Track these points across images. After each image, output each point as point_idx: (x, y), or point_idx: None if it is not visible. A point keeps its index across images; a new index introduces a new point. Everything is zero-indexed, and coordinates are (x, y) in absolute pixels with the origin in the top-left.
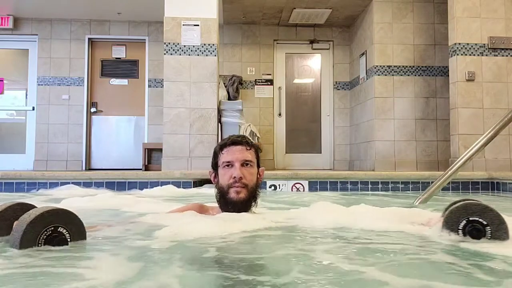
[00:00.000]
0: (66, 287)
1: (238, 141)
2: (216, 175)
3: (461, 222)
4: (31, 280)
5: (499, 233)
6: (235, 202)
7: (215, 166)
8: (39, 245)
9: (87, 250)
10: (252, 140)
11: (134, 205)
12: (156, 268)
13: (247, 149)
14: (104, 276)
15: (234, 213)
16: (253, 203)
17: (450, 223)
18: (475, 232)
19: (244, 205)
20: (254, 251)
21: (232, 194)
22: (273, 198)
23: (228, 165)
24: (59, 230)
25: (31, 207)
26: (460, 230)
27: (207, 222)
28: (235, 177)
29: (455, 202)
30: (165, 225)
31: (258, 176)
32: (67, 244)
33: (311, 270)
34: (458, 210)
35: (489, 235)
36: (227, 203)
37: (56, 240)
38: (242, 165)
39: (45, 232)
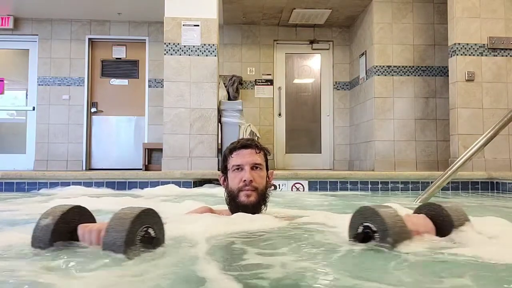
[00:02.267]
0: None
1: (247, 144)
2: (226, 179)
3: (358, 228)
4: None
5: (384, 239)
6: (246, 206)
7: (224, 169)
8: (135, 246)
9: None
10: (258, 141)
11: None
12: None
13: (256, 153)
14: None
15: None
16: (263, 206)
17: (351, 229)
18: (367, 238)
19: (254, 208)
20: (265, 251)
21: (242, 197)
22: (273, 198)
23: (238, 169)
24: (148, 230)
25: (87, 210)
26: (356, 236)
27: (227, 222)
28: (245, 180)
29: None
30: (184, 226)
31: (268, 179)
32: (161, 245)
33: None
34: (355, 215)
35: (378, 242)
36: (237, 207)
37: (150, 240)
38: (252, 168)
39: (140, 233)
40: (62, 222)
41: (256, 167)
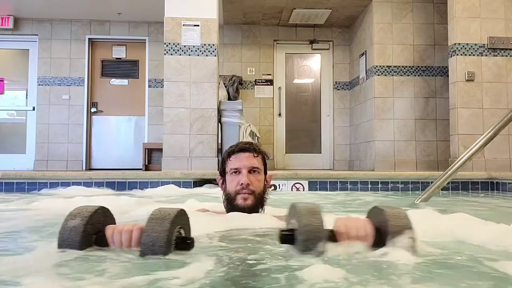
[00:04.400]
0: None
1: (245, 148)
2: (224, 182)
3: (288, 226)
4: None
5: (299, 240)
6: (242, 209)
7: (223, 172)
8: (172, 246)
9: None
10: (257, 144)
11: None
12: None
13: (254, 156)
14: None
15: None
16: (260, 210)
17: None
18: (288, 239)
19: (251, 212)
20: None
21: (239, 200)
22: (273, 198)
23: (235, 172)
24: (180, 231)
25: (109, 211)
26: (283, 235)
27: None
28: (242, 183)
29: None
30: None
31: (265, 182)
32: (193, 247)
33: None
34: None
35: (296, 241)
36: (234, 209)
37: (184, 243)
38: (249, 172)
39: (175, 233)
40: (90, 223)
41: (254, 171)
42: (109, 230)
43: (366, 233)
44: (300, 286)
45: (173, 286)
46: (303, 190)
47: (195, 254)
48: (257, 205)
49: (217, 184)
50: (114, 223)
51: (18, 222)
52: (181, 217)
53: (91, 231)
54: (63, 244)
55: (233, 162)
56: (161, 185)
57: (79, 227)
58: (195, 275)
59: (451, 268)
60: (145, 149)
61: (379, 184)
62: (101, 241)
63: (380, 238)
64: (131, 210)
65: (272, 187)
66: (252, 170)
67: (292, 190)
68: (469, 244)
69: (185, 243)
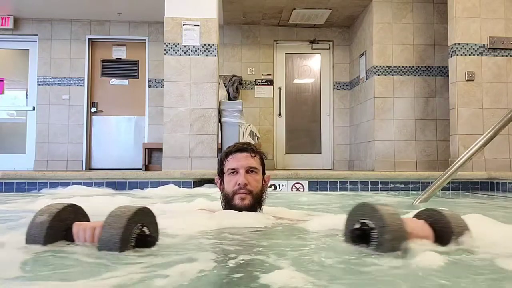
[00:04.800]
0: None
1: (243, 148)
2: (222, 182)
3: (355, 225)
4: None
5: (383, 239)
6: (240, 209)
7: (221, 173)
8: (131, 243)
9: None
10: (254, 143)
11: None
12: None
13: (252, 156)
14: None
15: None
16: (258, 210)
17: (348, 226)
18: (363, 236)
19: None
20: (257, 247)
21: (237, 200)
22: (273, 198)
23: (233, 172)
24: (143, 229)
25: (81, 209)
26: (351, 232)
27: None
28: (239, 183)
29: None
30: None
31: (263, 182)
32: (154, 245)
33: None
34: (351, 213)
35: (376, 240)
36: (231, 210)
37: (145, 240)
38: (247, 171)
39: (135, 231)
40: (57, 219)
41: (251, 171)
42: (75, 226)
43: (427, 233)
44: None
45: (128, 284)
46: (303, 190)
47: (161, 251)
48: (254, 205)
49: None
50: (88, 220)
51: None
52: (143, 215)
53: (60, 227)
54: (29, 239)
55: (231, 162)
56: (161, 185)
57: (45, 223)
58: (162, 272)
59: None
60: (145, 149)
61: (379, 184)
62: (69, 237)
63: (437, 238)
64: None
65: (272, 187)
66: (249, 170)
67: (292, 190)
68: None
69: (145, 240)
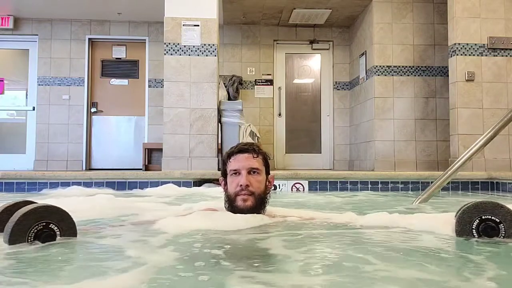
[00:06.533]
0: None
1: (245, 149)
2: (226, 183)
3: (474, 222)
4: (17, 275)
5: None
6: (242, 210)
7: (224, 173)
8: (29, 238)
9: (75, 248)
10: (257, 145)
11: (151, 206)
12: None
13: (254, 157)
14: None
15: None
16: (261, 211)
17: (463, 223)
18: (489, 230)
19: (251, 213)
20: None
21: (239, 201)
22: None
23: (235, 173)
24: (50, 226)
25: (34, 203)
26: (474, 230)
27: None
28: (241, 185)
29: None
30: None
31: (267, 183)
32: (54, 240)
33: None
34: (470, 210)
35: (503, 232)
36: (234, 211)
37: (44, 235)
38: (249, 172)
39: (36, 227)
40: (7, 213)
41: (254, 172)
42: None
43: None
44: None
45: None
46: (303, 190)
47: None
48: (257, 206)
49: (218, 184)
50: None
51: None
52: (48, 212)
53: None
54: None
55: (233, 163)
56: (161, 185)
57: None
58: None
59: None
60: (145, 149)
61: (379, 184)
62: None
63: None
64: (131, 209)
65: (272, 187)
66: (251, 171)
67: (292, 190)
68: None
69: (41, 236)
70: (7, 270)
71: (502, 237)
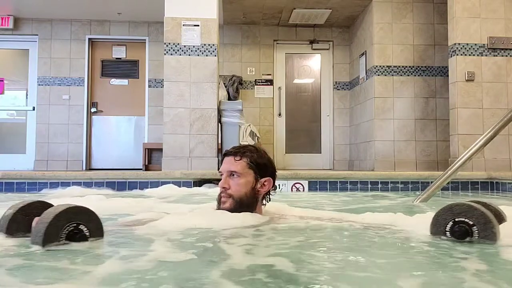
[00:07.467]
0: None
1: (229, 152)
2: None
3: (448, 224)
4: (53, 275)
5: (486, 232)
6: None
7: None
8: (61, 239)
9: (105, 248)
10: (254, 143)
11: (153, 206)
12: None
13: (235, 160)
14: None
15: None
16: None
17: (437, 225)
18: (462, 232)
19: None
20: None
21: (220, 203)
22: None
23: (221, 175)
24: (80, 227)
25: (50, 205)
26: (447, 232)
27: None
28: (221, 187)
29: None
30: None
31: (259, 186)
32: (87, 241)
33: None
34: (444, 212)
35: (477, 235)
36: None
37: (77, 236)
38: (230, 175)
39: (68, 228)
40: (21, 213)
41: (233, 175)
42: (34, 221)
43: None
44: None
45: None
46: (303, 190)
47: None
48: (236, 209)
49: (217, 184)
50: None
51: None
52: (77, 213)
53: (23, 220)
54: None
55: (222, 165)
56: (161, 185)
57: (9, 216)
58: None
59: None
60: (145, 149)
61: (379, 184)
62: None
63: None
64: (130, 209)
65: (273, 188)
66: (231, 174)
67: (292, 190)
68: None
69: (74, 237)
70: (40, 274)
71: (476, 238)
